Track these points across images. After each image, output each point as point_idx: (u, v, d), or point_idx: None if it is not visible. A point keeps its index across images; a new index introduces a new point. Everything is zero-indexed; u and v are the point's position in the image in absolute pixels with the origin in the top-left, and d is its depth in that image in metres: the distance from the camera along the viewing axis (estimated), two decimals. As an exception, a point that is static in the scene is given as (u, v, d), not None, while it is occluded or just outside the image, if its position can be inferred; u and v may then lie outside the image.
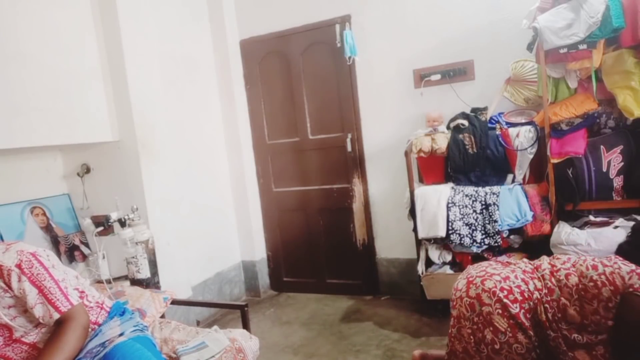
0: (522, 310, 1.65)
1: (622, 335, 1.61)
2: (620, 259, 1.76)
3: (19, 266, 1.54)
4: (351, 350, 2.80)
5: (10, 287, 1.54)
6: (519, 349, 1.63)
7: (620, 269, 1.70)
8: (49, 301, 1.56)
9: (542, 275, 1.75)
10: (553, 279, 1.73)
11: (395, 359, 2.63)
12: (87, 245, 2.88)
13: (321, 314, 3.41)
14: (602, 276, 1.71)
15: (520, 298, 1.66)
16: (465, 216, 2.81)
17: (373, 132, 3.54)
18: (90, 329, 1.66)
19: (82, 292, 1.74)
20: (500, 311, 1.65)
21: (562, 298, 1.69)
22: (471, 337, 1.70)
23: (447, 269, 2.96)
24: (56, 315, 1.56)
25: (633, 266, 1.70)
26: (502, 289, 1.68)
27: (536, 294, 1.69)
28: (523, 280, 1.72)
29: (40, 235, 2.67)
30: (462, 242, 2.81)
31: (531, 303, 1.68)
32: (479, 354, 1.68)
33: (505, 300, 1.65)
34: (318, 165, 3.75)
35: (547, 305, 1.68)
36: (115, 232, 2.53)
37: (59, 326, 1.57)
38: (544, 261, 1.82)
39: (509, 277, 1.73)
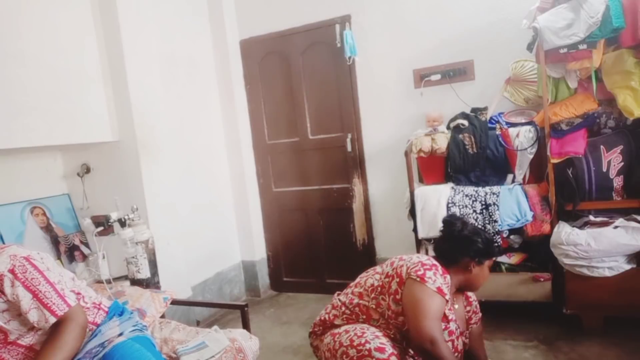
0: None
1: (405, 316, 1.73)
2: (425, 257, 1.83)
3: (12, 271, 1.51)
4: (351, 350, 2.79)
5: (3, 293, 1.51)
6: None
7: (411, 260, 1.80)
8: (45, 305, 1.53)
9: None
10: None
11: (395, 359, 2.63)
12: (87, 245, 2.88)
13: (321, 314, 3.41)
14: (394, 270, 1.82)
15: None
16: (465, 216, 2.80)
17: (373, 132, 3.54)
18: (88, 329, 1.65)
19: (78, 293, 1.72)
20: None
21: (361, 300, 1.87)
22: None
23: (447, 269, 2.96)
24: (52, 320, 1.53)
25: (425, 258, 1.79)
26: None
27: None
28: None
29: (40, 235, 2.67)
30: (462, 242, 2.81)
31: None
32: None
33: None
34: (318, 165, 3.75)
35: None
36: (115, 232, 2.53)
37: (57, 327, 1.55)
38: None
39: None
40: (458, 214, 2.82)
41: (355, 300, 1.86)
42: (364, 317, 1.83)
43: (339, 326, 1.85)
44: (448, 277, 1.79)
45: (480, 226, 2.77)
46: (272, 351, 2.87)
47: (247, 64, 3.87)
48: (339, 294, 1.99)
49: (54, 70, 2.54)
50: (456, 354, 1.81)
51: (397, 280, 1.77)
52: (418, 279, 1.70)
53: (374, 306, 1.82)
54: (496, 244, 1.92)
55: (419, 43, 3.31)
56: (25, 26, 2.41)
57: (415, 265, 1.75)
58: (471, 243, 1.85)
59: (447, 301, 1.74)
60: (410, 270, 1.74)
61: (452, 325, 1.81)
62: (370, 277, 1.91)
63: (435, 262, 1.79)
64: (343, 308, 1.90)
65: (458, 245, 1.87)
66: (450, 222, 1.96)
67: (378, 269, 1.94)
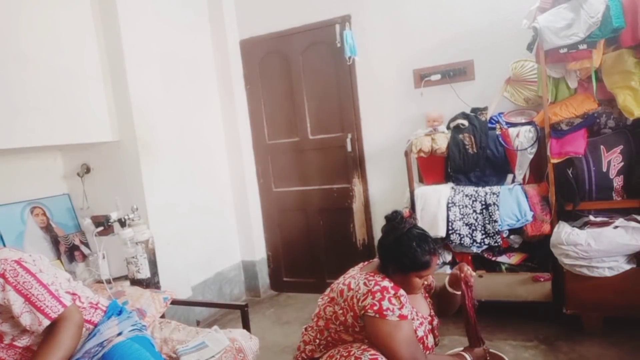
0: None
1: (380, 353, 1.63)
2: (372, 275, 1.72)
3: (2, 275, 1.50)
4: (351, 350, 2.79)
5: None
6: None
7: (359, 290, 1.67)
8: (38, 309, 1.52)
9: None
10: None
11: (395, 359, 2.63)
12: (87, 245, 2.88)
13: (321, 314, 3.41)
14: (345, 302, 1.71)
15: None
16: (465, 216, 2.81)
17: (373, 132, 3.54)
18: (85, 329, 1.65)
19: (74, 294, 1.71)
20: None
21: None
22: None
23: (447, 269, 2.95)
24: (46, 322, 1.52)
25: (372, 284, 1.66)
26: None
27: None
28: None
29: (40, 235, 2.67)
30: (462, 242, 2.81)
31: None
32: None
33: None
34: (318, 165, 3.75)
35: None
36: (115, 232, 2.53)
37: (53, 326, 1.54)
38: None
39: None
40: (458, 214, 2.82)
41: (326, 333, 1.79)
42: (340, 342, 1.76)
43: (320, 357, 1.78)
44: (400, 290, 1.67)
45: (480, 225, 2.78)
46: (272, 351, 2.86)
47: (247, 64, 3.87)
48: (306, 329, 1.91)
49: (54, 70, 2.54)
50: (427, 352, 1.76)
51: (352, 314, 1.68)
52: (377, 316, 1.59)
53: (343, 329, 1.75)
54: (428, 255, 1.70)
55: (419, 43, 3.31)
56: (26, 26, 2.41)
57: (365, 297, 1.63)
58: (399, 252, 1.72)
59: (412, 318, 1.68)
60: (363, 303, 1.63)
61: (420, 332, 1.75)
62: (328, 305, 1.81)
63: (381, 283, 1.66)
64: (317, 340, 1.82)
65: (390, 249, 1.76)
66: (392, 218, 1.80)
67: (331, 293, 1.85)
